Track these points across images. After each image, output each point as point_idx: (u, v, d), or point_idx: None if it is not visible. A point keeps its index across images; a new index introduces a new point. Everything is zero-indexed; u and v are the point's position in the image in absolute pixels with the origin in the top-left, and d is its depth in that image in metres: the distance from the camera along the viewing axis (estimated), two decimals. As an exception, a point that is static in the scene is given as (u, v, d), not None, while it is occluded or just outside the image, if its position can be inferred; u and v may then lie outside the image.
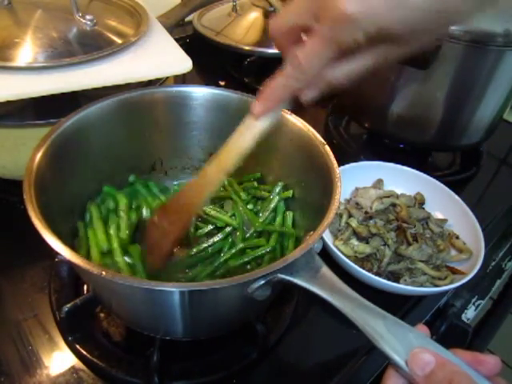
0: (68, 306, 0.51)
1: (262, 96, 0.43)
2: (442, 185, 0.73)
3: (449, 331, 0.69)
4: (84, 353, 0.51)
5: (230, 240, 0.57)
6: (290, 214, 0.59)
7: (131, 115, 0.59)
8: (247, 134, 0.45)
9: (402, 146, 0.87)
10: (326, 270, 0.42)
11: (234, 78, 1.07)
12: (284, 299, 0.59)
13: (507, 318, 1.03)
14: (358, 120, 0.90)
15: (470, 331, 0.69)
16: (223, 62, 1.11)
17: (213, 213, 0.60)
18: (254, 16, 1.10)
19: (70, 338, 0.53)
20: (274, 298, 0.48)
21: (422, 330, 0.37)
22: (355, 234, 0.67)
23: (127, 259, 0.53)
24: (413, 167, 0.75)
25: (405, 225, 0.67)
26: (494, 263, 0.93)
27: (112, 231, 0.55)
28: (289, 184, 0.60)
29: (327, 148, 0.52)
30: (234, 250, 0.56)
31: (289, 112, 0.58)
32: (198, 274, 0.54)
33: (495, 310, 1.02)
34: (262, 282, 0.39)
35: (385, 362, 0.52)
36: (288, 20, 0.39)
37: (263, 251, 0.56)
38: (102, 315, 0.56)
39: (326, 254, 0.57)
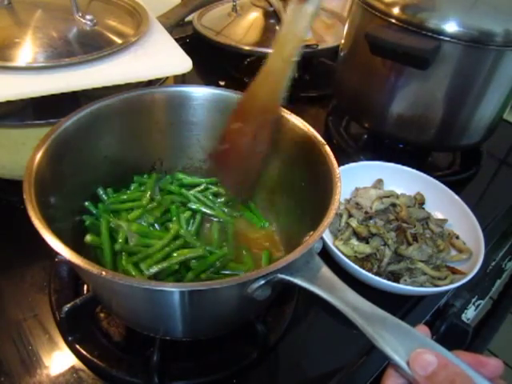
0: (68, 306, 0.51)
1: None
2: (441, 185, 0.73)
3: (449, 331, 0.69)
4: (84, 353, 0.51)
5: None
6: None
7: (131, 115, 0.59)
8: (300, 20, 0.45)
9: (401, 146, 0.87)
10: (325, 270, 0.42)
11: (234, 78, 1.07)
12: (284, 299, 0.59)
13: (507, 318, 1.03)
14: (358, 120, 0.90)
15: (470, 331, 0.69)
16: (223, 62, 1.11)
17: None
18: (254, 16, 1.10)
19: (70, 338, 0.53)
20: (274, 297, 0.48)
21: (423, 330, 0.37)
22: (355, 233, 0.67)
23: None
24: (413, 167, 0.75)
25: (405, 225, 0.67)
26: (494, 263, 0.93)
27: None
28: (288, 185, 0.60)
29: (327, 148, 0.52)
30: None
31: (289, 112, 0.58)
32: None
33: (495, 310, 1.02)
34: (262, 282, 0.39)
35: (385, 362, 0.52)
36: None
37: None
38: (102, 315, 0.56)
39: (326, 254, 0.57)
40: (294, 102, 1.02)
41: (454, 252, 0.67)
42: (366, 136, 0.94)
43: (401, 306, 0.62)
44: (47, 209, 0.42)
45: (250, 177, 0.51)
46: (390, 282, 0.59)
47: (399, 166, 0.76)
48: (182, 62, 0.67)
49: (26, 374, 0.50)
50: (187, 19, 1.09)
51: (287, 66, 0.47)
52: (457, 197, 0.71)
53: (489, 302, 1.09)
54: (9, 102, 0.56)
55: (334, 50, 0.95)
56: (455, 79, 0.72)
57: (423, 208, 0.73)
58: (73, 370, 0.51)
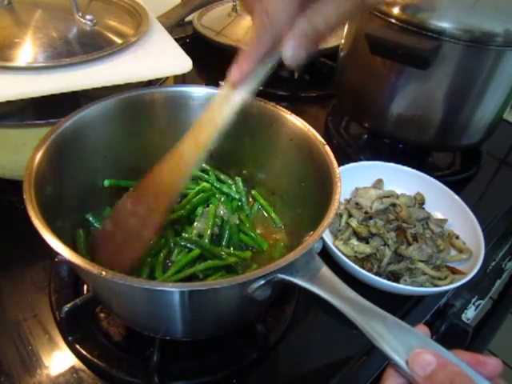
0: (68, 305, 0.51)
1: (237, 62, 0.40)
2: (441, 185, 0.73)
3: (449, 331, 0.69)
4: (84, 353, 0.51)
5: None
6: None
7: (131, 115, 0.59)
8: (225, 107, 0.42)
9: (401, 146, 0.87)
10: (325, 270, 0.42)
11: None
12: (284, 299, 0.59)
13: (507, 317, 1.03)
14: (358, 120, 0.90)
15: (470, 331, 0.69)
16: (223, 62, 1.10)
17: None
18: (254, 16, 1.10)
19: (70, 338, 0.53)
20: (274, 298, 0.48)
21: (422, 330, 0.37)
22: (355, 233, 0.67)
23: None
24: (413, 167, 0.75)
25: (405, 225, 0.67)
26: (494, 263, 0.93)
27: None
28: (288, 185, 0.60)
29: (327, 148, 0.52)
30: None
31: (289, 112, 0.58)
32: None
33: (495, 310, 1.02)
34: (262, 281, 0.39)
35: (385, 362, 0.52)
36: None
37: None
38: (102, 315, 0.56)
39: (326, 254, 0.57)
40: (294, 102, 1.04)
41: (453, 252, 0.67)
42: (365, 136, 0.94)
43: (401, 306, 0.62)
44: (47, 209, 0.42)
45: (131, 259, 0.48)
46: (390, 282, 0.59)
47: (399, 166, 0.76)
48: (182, 62, 0.67)
49: (26, 374, 0.50)
50: (187, 19, 1.09)
51: (200, 151, 0.44)
52: (457, 197, 0.71)
53: (489, 301, 1.09)
54: (9, 102, 0.56)
55: (334, 50, 0.95)
56: (455, 79, 0.72)
57: (423, 208, 0.73)
58: (73, 370, 0.51)
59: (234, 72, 0.40)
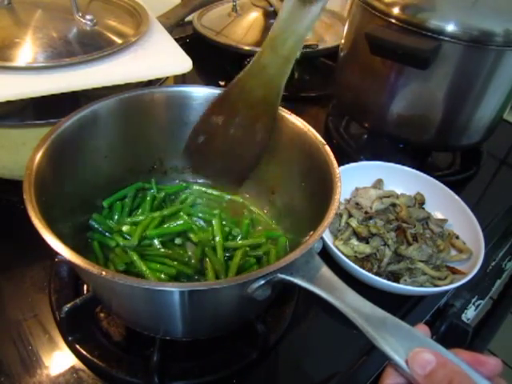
0: (68, 305, 0.51)
1: None
2: (442, 185, 0.73)
3: (449, 331, 0.69)
4: (84, 353, 0.51)
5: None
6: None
7: (131, 115, 0.59)
8: (304, 20, 0.42)
9: (401, 145, 0.87)
10: (325, 270, 0.42)
11: (234, 78, 1.07)
12: (284, 299, 0.59)
13: (507, 317, 1.03)
14: (358, 120, 0.90)
15: (470, 331, 0.69)
16: (223, 62, 1.11)
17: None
18: (254, 16, 1.10)
19: (70, 338, 0.53)
20: (274, 297, 0.48)
21: (423, 329, 0.37)
22: (355, 233, 0.67)
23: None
24: (413, 167, 0.75)
25: (405, 225, 0.67)
26: (494, 263, 0.93)
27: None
28: (288, 185, 0.60)
29: (327, 148, 0.52)
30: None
31: (289, 112, 0.58)
32: None
33: (495, 310, 1.02)
34: (262, 282, 0.39)
35: (385, 362, 0.52)
36: None
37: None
38: (102, 315, 0.56)
39: (326, 254, 0.57)
40: (294, 102, 1.04)
41: (453, 252, 0.67)
42: (365, 136, 0.94)
43: (401, 306, 0.62)
44: (47, 209, 0.42)
45: (245, 164, 0.50)
46: (390, 282, 0.59)
47: (399, 166, 0.76)
48: (182, 62, 0.67)
49: (26, 374, 0.50)
50: (187, 19, 1.09)
51: (286, 62, 0.45)
52: (457, 197, 0.71)
53: (489, 301, 1.09)
54: (9, 102, 0.56)
55: (334, 50, 0.95)
56: (455, 79, 0.72)
57: (423, 208, 0.73)
58: (73, 370, 0.51)
59: None
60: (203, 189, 0.66)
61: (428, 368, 0.33)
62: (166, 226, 0.59)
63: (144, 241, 0.57)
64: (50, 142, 0.48)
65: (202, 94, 0.61)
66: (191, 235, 0.58)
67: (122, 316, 0.52)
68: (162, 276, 0.52)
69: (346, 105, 0.92)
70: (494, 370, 0.34)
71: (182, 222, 0.59)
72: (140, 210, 0.61)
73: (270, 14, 1.08)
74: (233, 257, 0.55)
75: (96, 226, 0.58)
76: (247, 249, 0.57)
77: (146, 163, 0.65)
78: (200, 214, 0.62)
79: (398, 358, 0.34)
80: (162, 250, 0.56)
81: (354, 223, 0.67)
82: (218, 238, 0.57)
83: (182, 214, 0.60)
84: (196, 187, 0.66)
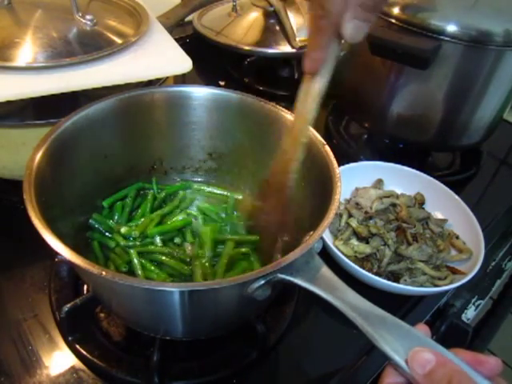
0: (68, 305, 0.51)
1: (306, 53, 0.42)
2: (441, 185, 0.73)
3: (449, 331, 0.69)
4: (84, 353, 0.51)
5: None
6: None
7: (131, 115, 0.59)
8: (308, 100, 0.45)
9: (401, 145, 0.87)
10: (325, 270, 0.42)
11: (234, 77, 1.07)
12: (284, 299, 0.59)
13: (507, 318, 1.03)
14: (358, 120, 0.90)
15: (470, 331, 0.69)
16: (223, 62, 1.11)
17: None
18: (254, 16, 1.10)
19: (70, 338, 0.53)
20: (274, 297, 0.48)
21: (423, 329, 0.37)
22: (355, 233, 0.67)
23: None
24: (413, 167, 0.75)
25: (405, 225, 0.67)
26: (494, 263, 0.93)
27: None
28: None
29: (327, 148, 0.52)
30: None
31: (289, 112, 0.58)
32: None
33: (495, 310, 1.02)
34: (262, 281, 0.39)
35: (385, 362, 0.52)
36: None
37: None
38: (102, 315, 0.56)
39: (326, 254, 0.57)
40: (294, 102, 1.03)
41: (454, 252, 0.67)
42: (366, 136, 0.94)
43: (401, 306, 0.62)
44: (47, 209, 0.42)
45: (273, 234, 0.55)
46: (390, 282, 0.59)
47: (399, 166, 0.76)
48: (182, 62, 0.67)
49: (26, 374, 0.50)
50: (187, 19, 1.09)
51: (297, 146, 0.48)
52: (457, 197, 0.71)
53: (489, 301, 1.09)
54: (9, 102, 0.56)
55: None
56: (455, 79, 0.72)
57: (423, 208, 0.73)
58: (73, 370, 0.51)
59: (307, 62, 0.42)
60: (203, 187, 0.66)
61: (428, 367, 0.33)
62: (168, 222, 0.60)
63: (145, 240, 0.57)
64: (49, 142, 0.48)
65: (202, 93, 0.61)
66: (188, 235, 0.59)
67: (122, 316, 0.52)
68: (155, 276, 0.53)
69: (346, 105, 0.92)
70: (494, 370, 0.34)
71: (181, 218, 0.60)
72: (140, 210, 0.61)
73: (269, 14, 1.08)
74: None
75: (96, 225, 0.58)
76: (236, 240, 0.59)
77: (145, 163, 0.65)
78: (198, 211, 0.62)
79: (398, 358, 0.34)
80: (163, 247, 0.56)
81: (353, 223, 0.67)
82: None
83: (179, 210, 0.61)
84: (196, 186, 0.66)
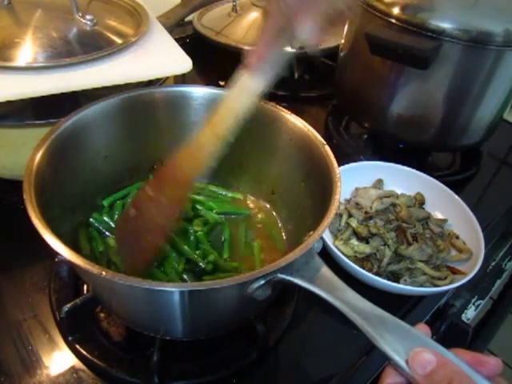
0: (68, 306, 0.51)
1: (253, 47, 0.40)
2: (441, 185, 0.73)
3: (449, 331, 0.69)
4: (84, 353, 0.51)
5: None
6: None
7: (131, 115, 0.59)
8: (242, 94, 0.42)
9: (401, 145, 0.87)
10: (325, 270, 0.42)
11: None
12: (284, 299, 0.59)
13: (507, 318, 1.03)
14: (358, 120, 0.90)
15: (470, 331, 0.69)
16: (223, 62, 1.10)
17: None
18: (254, 16, 1.10)
19: (70, 338, 0.53)
20: (274, 297, 0.48)
21: (423, 329, 0.37)
22: (355, 233, 0.67)
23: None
24: (413, 167, 0.75)
25: (405, 225, 0.67)
26: (494, 263, 0.93)
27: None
28: (288, 185, 0.60)
29: (327, 148, 0.52)
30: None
31: (289, 112, 0.58)
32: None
33: (495, 310, 1.02)
34: (262, 281, 0.39)
35: (385, 362, 0.52)
36: None
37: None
38: (102, 315, 0.56)
39: (326, 254, 0.57)
40: (294, 102, 1.04)
41: (454, 252, 0.67)
42: (366, 136, 0.94)
43: (401, 306, 0.62)
44: (47, 209, 0.42)
45: (146, 252, 0.47)
46: (389, 282, 0.59)
47: (399, 166, 0.76)
48: (182, 62, 0.67)
49: (26, 374, 0.50)
50: (187, 19, 1.09)
51: (218, 142, 0.44)
52: (457, 197, 0.71)
53: (489, 301, 1.09)
54: (9, 102, 0.56)
55: (334, 50, 0.95)
56: (455, 79, 0.72)
57: (423, 208, 0.73)
58: (73, 370, 0.51)
59: (251, 56, 0.40)
60: (202, 186, 0.66)
61: (428, 368, 0.33)
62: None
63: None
64: (49, 142, 0.48)
65: (201, 93, 0.61)
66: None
67: (122, 316, 0.52)
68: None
69: (345, 105, 0.92)
70: (494, 370, 0.34)
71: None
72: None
73: (269, 14, 1.08)
74: None
75: (96, 224, 0.58)
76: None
77: (146, 163, 0.65)
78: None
79: (398, 358, 0.34)
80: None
81: (353, 223, 0.67)
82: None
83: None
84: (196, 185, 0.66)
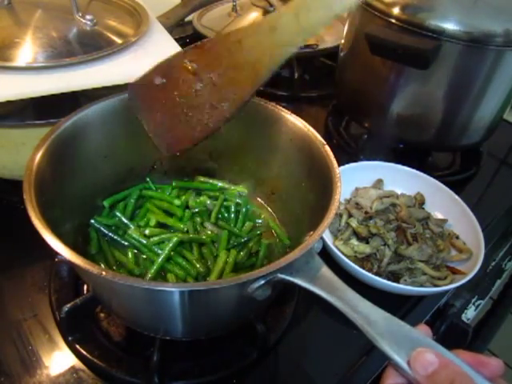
0: (68, 306, 0.51)
1: None
2: (442, 185, 0.73)
3: (449, 331, 0.69)
4: (84, 353, 0.51)
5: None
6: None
7: (131, 115, 0.59)
8: None
9: (401, 145, 0.87)
10: (325, 270, 0.42)
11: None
12: (284, 299, 0.59)
13: (507, 317, 1.03)
14: (358, 120, 0.90)
15: (470, 331, 0.69)
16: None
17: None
18: (254, 16, 1.10)
19: (70, 338, 0.53)
20: (274, 297, 0.48)
21: (424, 329, 0.37)
22: (355, 233, 0.67)
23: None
24: (413, 167, 0.75)
25: (405, 225, 0.67)
26: (494, 263, 0.93)
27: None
28: (288, 185, 0.60)
29: (327, 148, 0.52)
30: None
31: (289, 112, 0.58)
32: None
33: (495, 310, 1.02)
34: (262, 281, 0.39)
35: (385, 362, 0.52)
36: None
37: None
38: (102, 315, 0.56)
39: (326, 254, 0.57)
40: (294, 102, 1.04)
41: (454, 252, 0.67)
42: (365, 136, 0.94)
43: (401, 306, 0.62)
44: (47, 209, 0.42)
45: (195, 133, 0.41)
46: (389, 282, 0.59)
47: (399, 166, 0.76)
48: (182, 62, 0.67)
49: (26, 374, 0.50)
50: (187, 19, 1.09)
51: (301, 35, 0.38)
52: (457, 197, 0.71)
53: (489, 302, 1.09)
54: (9, 102, 0.56)
55: (334, 50, 0.95)
56: (455, 79, 0.72)
57: (423, 208, 0.73)
58: (73, 370, 0.51)
59: None
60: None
61: (430, 368, 0.33)
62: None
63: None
64: (49, 142, 0.48)
65: (202, 93, 0.61)
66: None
67: (122, 316, 0.52)
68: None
69: (346, 105, 0.92)
70: (495, 372, 0.33)
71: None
72: (141, 211, 0.61)
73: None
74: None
75: (97, 226, 0.58)
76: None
77: (146, 163, 0.65)
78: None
79: (399, 359, 0.34)
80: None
81: (354, 223, 0.67)
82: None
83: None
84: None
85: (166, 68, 0.43)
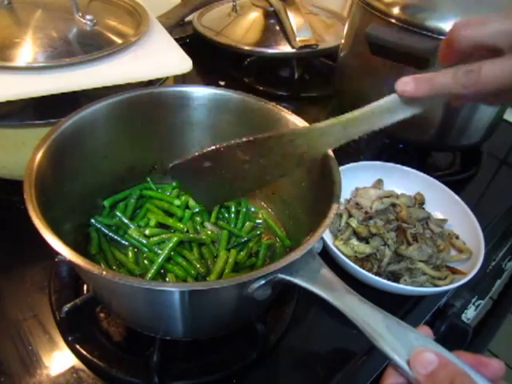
0: (68, 305, 0.51)
1: (417, 77, 0.40)
2: (442, 185, 0.73)
3: (449, 331, 0.69)
4: (84, 353, 0.51)
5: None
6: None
7: (131, 115, 0.59)
8: (386, 116, 0.44)
9: (401, 145, 0.87)
10: (325, 270, 0.42)
11: (234, 77, 1.07)
12: (284, 299, 0.59)
13: (507, 317, 1.03)
14: (357, 120, 0.90)
15: (470, 331, 0.69)
16: (223, 62, 1.11)
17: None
18: (254, 16, 1.10)
19: (70, 338, 0.53)
20: (274, 298, 0.48)
21: (424, 330, 0.37)
22: (355, 233, 0.67)
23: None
24: (413, 167, 0.75)
25: (405, 225, 0.67)
26: (494, 263, 0.93)
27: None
28: (288, 185, 0.60)
29: (327, 148, 0.52)
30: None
31: (289, 112, 0.58)
32: None
33: (495, 310, 1.02)
34: (262, 281, 0.39)
35: (385, 362, 0.52)
36: (482, 35, 0.37)
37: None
38: (102, 315, 0.56)
39: (326, 254, 0.57)
40: (294, 101, 1.04)
41: (453, 252, 0.67)
42: (366, 136, 0.94)
43: (401, 306, 0.62)
44: (48, 209, 0.42)
45: (236, 194, 0.51)
46: (389, 282, 0.59)
47: (399, 166, 0.76)
48: (182, 62, 0.67)
49: (26, 374, 0.50)
50: (187, 19, 1.10)
51: (344, 139, 0.45)
52: (457, 197, 0.71)
53: (489, 302, 1.09)
54: (9, 102, 0.56)
55: (334, 50, 0.95)
56: (455, 79, 0.72)
57: (423, 208, 0.73)
58: (73, 370, 0.51)
59: (412, 83, 0.41)
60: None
61: (430, 368, 0.33)
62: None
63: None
64: (50, 142, 0.48)
65: (201, 93, 0.61)
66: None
67: (122, 316, 0.52)
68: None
69: (346, 105, 0.92)
70: (496, 373, 0.33)
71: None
72: (142, 211, 0.61)
73: (269, 14, 1.08)
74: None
75: (98, 225, 0.58)
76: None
77: (146, 163, 0.65)
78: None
79: (398, 359, 0.34)
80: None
81: (353, 223, 0.67)
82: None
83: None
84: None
85: (214, 154, 0.48)
